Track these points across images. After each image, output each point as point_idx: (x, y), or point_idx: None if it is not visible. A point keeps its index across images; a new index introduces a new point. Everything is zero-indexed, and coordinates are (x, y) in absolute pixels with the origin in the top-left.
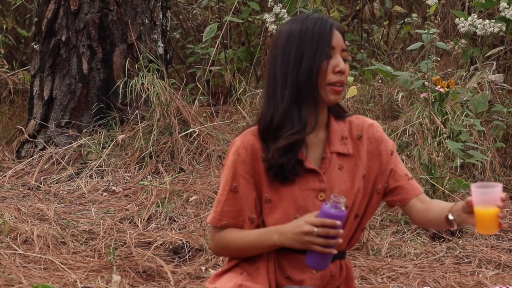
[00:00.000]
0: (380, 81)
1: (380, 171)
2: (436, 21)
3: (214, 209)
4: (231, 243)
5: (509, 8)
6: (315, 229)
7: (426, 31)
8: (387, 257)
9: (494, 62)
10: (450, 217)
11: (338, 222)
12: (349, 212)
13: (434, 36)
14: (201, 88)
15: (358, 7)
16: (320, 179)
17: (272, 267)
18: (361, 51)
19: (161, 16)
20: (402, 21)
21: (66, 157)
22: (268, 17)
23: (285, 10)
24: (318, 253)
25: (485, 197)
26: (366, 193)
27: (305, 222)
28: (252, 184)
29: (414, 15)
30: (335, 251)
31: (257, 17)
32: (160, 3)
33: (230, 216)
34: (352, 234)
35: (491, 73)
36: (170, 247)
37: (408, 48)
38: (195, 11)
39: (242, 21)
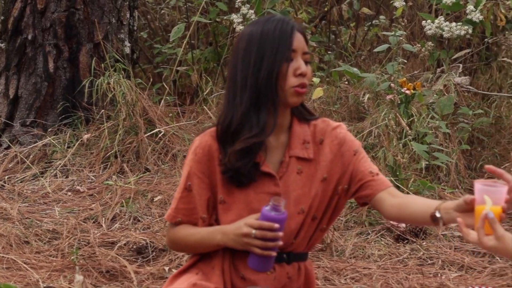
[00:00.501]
0: (346, 82)
1: (343, 172)
2: (403, 23)
3: (171, 206)
4: (182, 239)
5: (475, 11)
6: (253, 231)
7: (393, 33)
8: (350, 258)
9: (461, 65)
10: (437, 214)
11: (276, 225)
12: (305, 215)
13: (401, 38)
14: (168, 88)
15: (326, 9)
16: (276, 183)
17: (228, 267)
18: (329, 52)
19: (128, 15)
20: (370, 23)
21: (31, 156)
22: (235, 17)
23: (252, 11)
24: (258, 254)
25: (492, 195)
26: (326, 196)
27: (244, 224)
28: (206, 184)
29: (381, 17)
30: (274, 254)
31: (225, 18)
32: (128, 2)
33: (184, 213)
34: (311, 236)
35: (457, 75)
36: (134, 247)
37: (375, 50)
38: (163, 11)
39: (209, 21)
